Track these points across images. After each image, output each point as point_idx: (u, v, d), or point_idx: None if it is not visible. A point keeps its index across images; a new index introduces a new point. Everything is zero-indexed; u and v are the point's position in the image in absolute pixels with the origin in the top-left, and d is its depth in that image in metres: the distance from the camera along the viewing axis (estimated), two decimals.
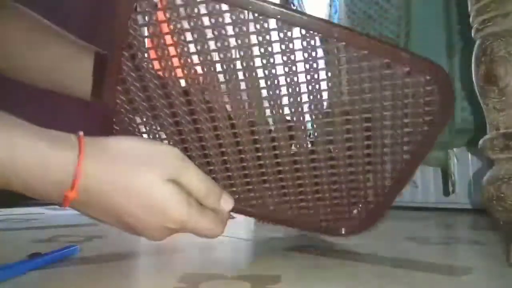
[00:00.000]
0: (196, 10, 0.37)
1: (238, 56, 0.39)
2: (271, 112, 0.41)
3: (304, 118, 0.42)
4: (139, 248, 0.56)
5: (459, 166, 1.10)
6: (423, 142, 0.43)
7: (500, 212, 0.40)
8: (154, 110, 0.43)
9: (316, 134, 0.43)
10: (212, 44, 0.39)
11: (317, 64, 0.39)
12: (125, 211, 0.35)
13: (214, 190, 0.38)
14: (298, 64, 0.39)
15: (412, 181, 1.18)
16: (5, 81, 0.53)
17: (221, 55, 0.39)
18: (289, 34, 0.37)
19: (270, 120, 0.42)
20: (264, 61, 0.39)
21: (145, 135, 0.45)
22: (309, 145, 0.44)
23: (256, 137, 0.43)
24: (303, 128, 0.42)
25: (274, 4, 0.37)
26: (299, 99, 0.40)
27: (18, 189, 0.33)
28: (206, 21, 0.38)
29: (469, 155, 1.07)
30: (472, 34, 0.43)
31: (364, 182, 0.46)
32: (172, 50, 0.39)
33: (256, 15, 0.37)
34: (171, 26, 0.38)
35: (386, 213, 0.50)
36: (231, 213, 0.42)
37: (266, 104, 0.41)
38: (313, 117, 0.42)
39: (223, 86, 0.41)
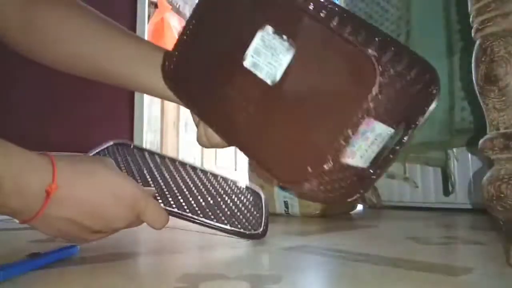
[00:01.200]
0: None
1: None
2: None
3: None
4: (139, 248, 0.56)
5: (459, 166, 1.10)
6: None
7: (500, 212, 0.40)
8: None
9: None
10: None
11: None
12: (96, 199, 0.42)
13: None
14: None
15: (412, 181, 1.18)
16: None
17: None
18: None
19: None
20: None
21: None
22: None
23: None
24: None
25: None
26: None
27: None
28: None
29: (469, 155, 1.08)
30: (472, 34, 0.44)
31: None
32: None
33: None
34: None
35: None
36: None
37: None
38: None
39: None
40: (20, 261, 0.38)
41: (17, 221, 0.41)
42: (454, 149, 1.09)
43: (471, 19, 0.43)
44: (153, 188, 0.55)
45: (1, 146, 0.37)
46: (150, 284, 0.37)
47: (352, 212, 1.09)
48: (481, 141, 0.43)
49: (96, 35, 0.53)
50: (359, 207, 1.27)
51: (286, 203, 0.98)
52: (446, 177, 1.11)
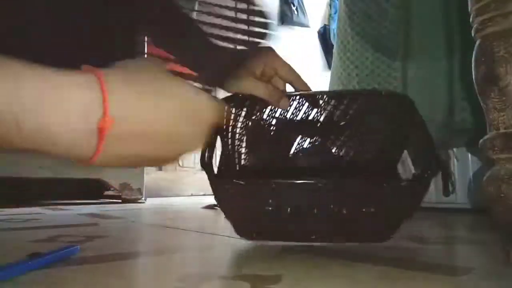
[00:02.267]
0: None
1: None
2: None
3: None
4: (139, 248, 0.56)
5: (459, 166, 1.10)
6: None
7: (500, 212, 0.40)
8: None
9: None
10: None
11: None
12: (158, 123, 0.33)
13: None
14: None
15: None
16: None
17: None
18: None
19: None
20: None
21: None
22: None
23: None
24: None
25: None
26: None
27: (28, 138, 0.28)
28: None
29: (469, 155, 1.08)
30: (472, 34, 0.43)
31: None
32: None
33: None
34: None
35: None
36: None
37: None
38: None
39: None
40: (20, 261, 0.38)
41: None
42: (454, 149, 1.09)
43: (471, 19, 0.43)
44: None
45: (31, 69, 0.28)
46: (150, 284, 0.37)
47: None
48: (481, 141, 0.43)
49: None
50: None
51: None
52: (446, 177, 1.11)
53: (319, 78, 2.11)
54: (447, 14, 1.07)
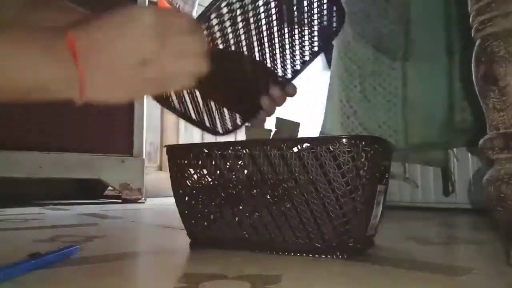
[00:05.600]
0: None
1: None
2: None
3: None
4: (139, 248, 0.56)
5: (459, 166, 1.10)
6: None
7: (500, 212, 0.40)
8: None
9: None
10: None
11: None
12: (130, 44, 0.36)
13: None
14: None
15: (412, 181, 1.18)
16: None
17: None
18: None
19: None
20: None
21: None
22: None
23: None
24: None
25: None
26: None
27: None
28: None
29: (469, 155, 1.08)
30: (472, 34, 0.43)
31: None
32: None
33: None
34: None
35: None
36: None
37: None
38: None
39: None
40: (20, 261, 0.38)
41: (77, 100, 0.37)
42: (454, 149, 1.09)
43: (471, 19, 0.43)
44: None
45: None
46: (150, 284, 0.37)
47: None
48: (481, 141, 0.43)
49: None
50: None
51: None
52: (446, 177, 1.11)
53: (319, 78, 2.11)
54: (447, 14, 1.07)
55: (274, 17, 0.52)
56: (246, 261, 0.45)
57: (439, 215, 0.98)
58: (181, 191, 0.54)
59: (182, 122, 2.46)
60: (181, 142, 2.33)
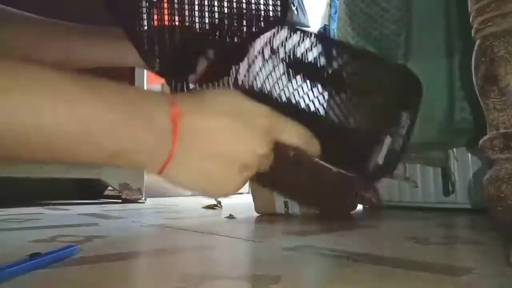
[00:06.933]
0: None
1: None
2: None
3: None
4: (139, 248, 0.56)
5: (459, 166, 1.10)
6: None
7: (500, 212, 0.40)
8: None
9: None
10: None
11: None
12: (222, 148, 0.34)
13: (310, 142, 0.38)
14: None
15: (412, 181, 1.18)
16: None
17: None
18: None
19: None
20: None
21: None
22: None
23: None
24: None
25: None
26: None
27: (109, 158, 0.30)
28: None
29: (469, 155, 1.08)
30: (472, 34, 0.43)
31: None
32: None
33: None
34: None
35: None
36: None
37: None
38: None
39: None
40: (20, 261, 0.38)
41: (152, 174, 0.35)
42: (454, 149, 1.09)
43: (471, 19, 0.43)
44: None
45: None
46: (150, 284, 0.37)
47: (352, 212, 1.09)
48: (481, 141, 0.43)
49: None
50: (359, 207, 1.27)
51: (286, 203, 0.98)
52: (446, 177, 1.11)
53: None
54: (447, 15, 1.07)
55: None
56: (246, 261, 0.45)
57: (439, 215, 0.98)
58: None
59: None
60: None
